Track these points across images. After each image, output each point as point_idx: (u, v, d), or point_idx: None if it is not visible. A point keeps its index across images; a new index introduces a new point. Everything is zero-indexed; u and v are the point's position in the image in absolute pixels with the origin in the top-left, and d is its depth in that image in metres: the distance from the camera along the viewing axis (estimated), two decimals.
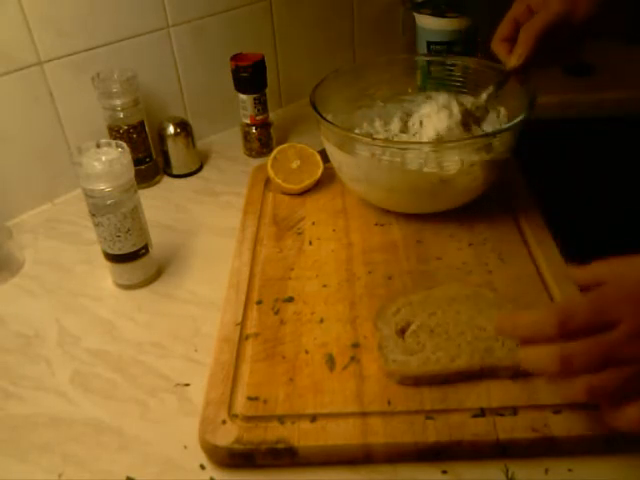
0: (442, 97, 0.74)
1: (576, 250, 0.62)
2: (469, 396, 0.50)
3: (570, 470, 0.47)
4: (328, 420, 0.49)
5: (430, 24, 0.98)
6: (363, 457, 0.48)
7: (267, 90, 0.90)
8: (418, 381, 0.52)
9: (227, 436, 0.49)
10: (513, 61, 0.66)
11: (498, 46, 0.69)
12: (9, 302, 0.69)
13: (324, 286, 0.64)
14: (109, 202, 0.62)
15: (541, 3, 0.66)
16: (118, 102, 0.81)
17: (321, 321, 0.59)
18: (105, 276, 0.70)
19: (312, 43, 1.07)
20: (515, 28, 0.67)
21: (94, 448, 0.52)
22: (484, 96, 0.73)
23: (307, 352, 0.56)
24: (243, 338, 0.58)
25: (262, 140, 0.93)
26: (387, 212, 0.74)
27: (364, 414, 0.50)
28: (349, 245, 0.70)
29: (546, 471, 0.47)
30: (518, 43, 0.65)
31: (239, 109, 0.90)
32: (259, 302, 0.62)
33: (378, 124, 0.81)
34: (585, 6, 0.64)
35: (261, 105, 0.89)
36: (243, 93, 0.88)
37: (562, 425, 0.47)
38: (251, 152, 0.94)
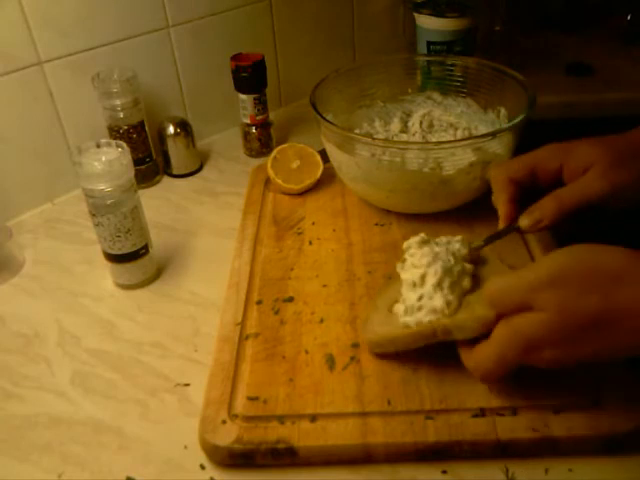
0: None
1: None
2: (469, 396, 0.50)
3: (570, 470, 0.47)
4: (328, 420, 0.49)
5: (430, 24, 0.98)
6: (363, 457, 0.48)
7: (267, 90, 0.90)
8: (383, 346, 0.54)
9: (227, 436, 0.49)
10: (526, 223, 0.55)
11: (504, 203, 0.57)
12: (9, 302, 0.69)
13: (324, 286, 0.64)
14: (109, 202, 0.62)
15: (580, 170, 0.54)
16: (118, 102, 0.81)
17: (321, 321, 0.59)
18: (105, 276, 0.70)
19: (312, 43, 1.07)
20: (531, 180, 0.57)
21: (94, 448, 0.52)
22: (472, 247, 0.57)
23: (307, 352, 0.56)
24: (243, 338, 0.58)
25: (262, 140, 0.93)
26: (387, 212, 0.74)
27: (364, 414, 0.50)
28: (349, 245, 0.70)
29: (546, 471, 0.47)
30: (541, 209, 0.54)
31: (239, 109, 0.90)
32: (259, 302, 0.62)
33: (378, 124, 0.81)
34: (631, 191, 0.53)
35: (261, 105, 0.90)
36: (243, 93, 0.88)
37: (562, 425, 0.47)
38: (251, 152, 0.94)
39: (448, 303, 0.50)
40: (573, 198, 0.53)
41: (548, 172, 0.56)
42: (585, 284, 0.41)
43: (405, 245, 0.57)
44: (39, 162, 0.83)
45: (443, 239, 0.56)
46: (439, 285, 0.51)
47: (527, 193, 0.57)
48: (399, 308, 0.53)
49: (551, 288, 0.42)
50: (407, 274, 0.54)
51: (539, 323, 0.42)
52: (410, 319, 0.51)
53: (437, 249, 0.54)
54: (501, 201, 0.58)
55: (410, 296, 0.52)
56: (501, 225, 0.58)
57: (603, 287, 0.40)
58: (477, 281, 0.53)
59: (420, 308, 0.51)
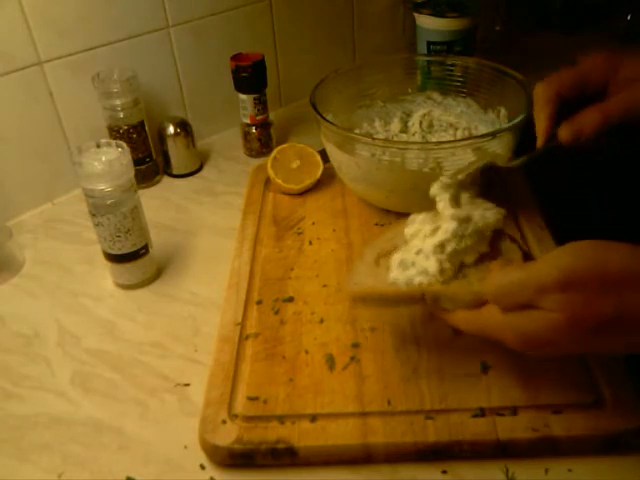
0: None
1: None
2: (469, 396, 0.50)
3: (570, 470, 0.47)
4: (328, 420, 0.49)
5: (430, 24, 0.98)
6: (363, 457, 0.48)
7: (267, 90, 0.90)
8: (365, 301, 0.52)
9: (227, 436, 0.49)
10: (565, 134, 0.53)
11: (546, 118, 0.54)
12: (9, 302, 0.69)
13: (324, 286, 0.64)
14: (109, 202, 0.62)
15: (628, 82, 0.52)
16: (118, 102, 0.81)
17: (321, 321, 0.59)
18: (105, 276, 0.70)
19: (312, 43, 1.07)
20: (578, 94, 0.54)
21: (94, 448, 0.52)
22: (509, 164, 0.59)
23: (307, 352, 0.56)
24: (243, 338, 0.58)
25: (262, 140, 0.93)
26: (387, 212, 0.74)
27: (364, 414, 0.50)
28: (349, 245, 0.70)
29: (546, 471, 0.47)
30: (583, 119, 0.52)
31: (239, 109, 0.90)
32: (259, 302, 0.62)
33: (378, 124, 0.81)
34: None
35: (261, 105, 0.89)
36: (243, 93, 0.88)
37: (562, 425, 0.47)
38: (251, 152, 0.94)
39: (442, 270, 0.47)
40: (619, 109, 0.50)
41: (596, 85, 0.53)
42: (595, 287, 0.39)
43: (436, 190, 0.52)
44: (39, 162, 0.83)
45: (489, 204, 0.51)
46: (441, 247, 0.47)
47: (570, 111, 0.54)
48: (394, 259, 0.49)
49: (560, 290, 0.39)
50: (419, 223, 0.50)
51: (545, 325, 0.40)
52: (401, 276, 0.48)
53: (472, 212, 0.49)
54: (543, 116, 0.54)
55: (411, 246, 0.49)
56: (540, 143, 0.55)
57: (614, 289, 0.38)
58: (482, 258, 0.49)
59: (413, 264, 0.47)
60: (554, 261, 0.41)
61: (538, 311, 0.41)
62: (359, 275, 0.51)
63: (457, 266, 0.48)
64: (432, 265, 0.47)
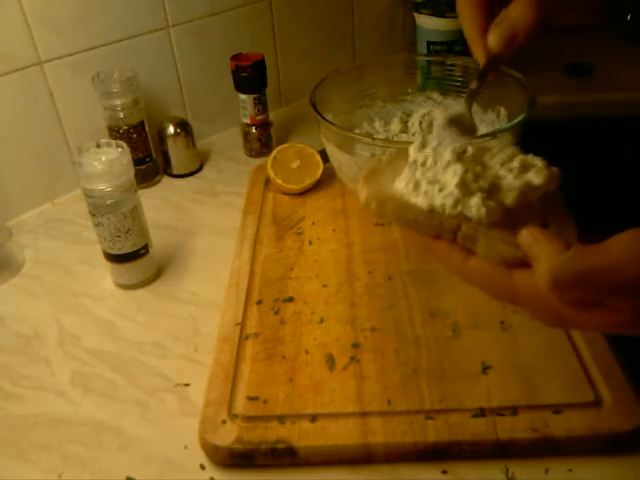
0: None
1: None
2: (469, 396, 0.50)
3: (570, 470, 0.47)
4: (328, 420, 0.49)
5: (430, 24, 0.98)
6: (363, 457, 0.48)
7: (267, 90, 0.90)
8: (384, 207, 0.42)
9: (227, 436, 0.49)
10: (494, 42, 0.47)
11: (478, 33, 0.49)
12: (9, 302, 0.69)
13: (324, 286, 0.64)
14: (109, 202, 0.62)
15: None
16: (118, 102, 0.81)
17: (321, 321, 0.59)
18: (105, 276, 0.70)
19: (312, 43, 1.07)
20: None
21: (94, 448, 0.52)
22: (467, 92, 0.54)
23: (307, 352, 0.56)
24: (243, 338, 0.58)
25: (262, 140, 0.93)
26: None
27: (364, 414, 0.50)
28: (349, 245, 0.70)
29: (546, 471, 0.47)
30: (512, 19, 0.46)
31: (239, 109, 0.90)
32: (259, 302, 0.62)
33: (378, 124, 0.81)
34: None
35: (261, 105, 0.89)
36: (243, 93, 0.88)
37: (562, 425, 0.47)
38: (251, 152, 0.94)
39: (489, 210, 0.39)
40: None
41: None
42: None
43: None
44: (39, 162, 0.83)
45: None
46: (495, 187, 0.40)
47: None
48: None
49: (636, 294, 0.33)
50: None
51: (607, 323, 0.35)
52: (437, 198, 0.40)
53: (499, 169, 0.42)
54: (473, 33, 0.48)
55: (450, 178, 0.40)
56: (482, 61, 0.50)
57: None
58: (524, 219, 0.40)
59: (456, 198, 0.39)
60: (630, 256, 0.32)
61: (603, 311, 0.34)
62: (386, 179, 0.43)
63: (503, 210, 0.40)
64: (476, 202, 0.39)
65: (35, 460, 0.51)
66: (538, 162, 0.42)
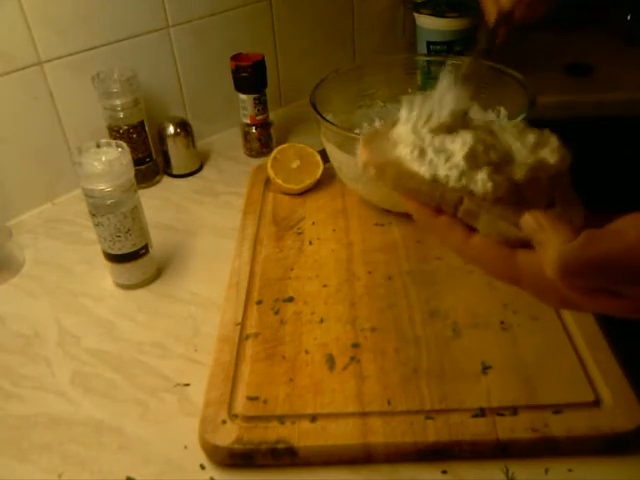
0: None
1: None
2: (469, 396, 0.50)
3: (570, 470, 0.47)
4: (328, 420, 0.49)
5: (430, 24, 0.98)
6: (363, 457, 0.48)
7: (267, 90, 0.90)
8: (384, 172, 0.40)
9: (227, 436, 0.49)
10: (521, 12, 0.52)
11: None
12: (9, 302, 0.69)
13: (324, 286, 0.64)
14: (109, 202, 0.62)
15: None
16: (118, 102, 0.81)
17: (321, 321, 0.59)
18: (105, 276, 0.70)
19: (312, 43, 1.07)
20: None
21: (94, 448, 0.52)
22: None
23: (307, 352, 0.56)
24: (243, 338, 0.58)
25: (262, 140, 0.93)
26: (387, 212, 0.74)
27: (364, 414, 0.50)
28: (349, 245, 0.70)
29: (546, 471, 0.47)
30: None
31: (239, 109, 0.90)
32: (259, 302, 0.62)
33: (378, 124, 0.81)
34: None
35: (261, 105, 0.89)
36: (243, 93, 0.88)
37: (562, 425, 0.47)
38: (251, 152, 0.94)
39: (495, 185, 0.37)
40: None
41: None
42: None
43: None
44: (39, 162, 0.83)
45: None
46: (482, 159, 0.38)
47: None
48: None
49: None
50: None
51: (614, 308, 0.33)
52: (442, 168, 0.38)
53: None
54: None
55: (458, 149, 0.38)
56: (493, 17, 0.53)
57: None
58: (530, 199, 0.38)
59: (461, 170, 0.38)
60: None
61: (611, 298, 0.33)
62: (387, 142, 0.41)
63: (510, 185, 0.38)
64: (483, 177, 0.37)
65: (35, 460, 0.51)
66: (553, 140, 0.41)
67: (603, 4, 1.25)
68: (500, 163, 0.38)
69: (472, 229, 0.38)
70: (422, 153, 0.39)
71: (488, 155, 0.38)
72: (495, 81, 0.75)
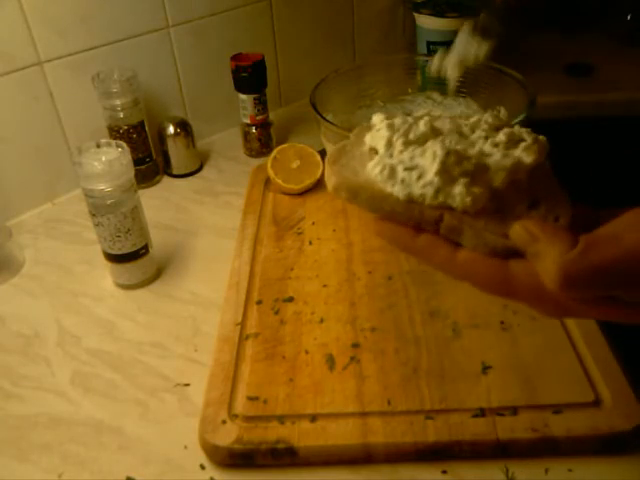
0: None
1: None
2: (469, 396, 0.50)
3: (570, 470, 0.47)
4: (328, 420, 0.49)
5: (430, 24, 0.98)
6: (363, 457, 0.48)
7: (267, 90, 0.90)
8: (355, 194, 0.37)
9: (227, 436, 0.49)
10: None
11: None
12: (9, 302, 0.69)
13: (324, 286, 0.64)
14: (109, 202, 0.62)
15: None
16: (118, 102, 0.81)
17: (321, 321, 0.59)
18: (105, 276, 0.70)
19: (312, 43, 1.07)
20: None
21: (94, 448, 0.52)
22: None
23: (307, 352, 0.56)
24: (243, 338, 0.58)
25: (262, 140, 0.93)
26: None
27: (364, 414, 0.50)
28: (349, 245, 0.70)
29: (546, 471, 0.47)
30: None
31: (239, 109, 0.90)
32: (259, 302, 0.62)
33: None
34: None
35: (261, 105, 0.89)
36: (243, 93, 0.88)
37: (562, 425, 0.47)
38: (251, 152, 0.94)
39: (474, 198, 0.35)
40: None
41: None
42: None
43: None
44: (39, 162, 0.83)
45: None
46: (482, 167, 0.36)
47: None
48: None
49: None
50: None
51: (615, 315, 0.33)
52: (415, 187, 0.36)
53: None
54: None
55: (429, 164, 0.36)
56: None
57: None
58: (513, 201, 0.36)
59: (433, 187, 0.36)
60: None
61: (612, 305, 0.32)
62: (355, 161, 0.40)
63: (490, 194, 0.36)
64: (458, 189, 0.35)
65: (35, 460, 0.51)
66: (526, 136, 0.38)
67: (603, 4, 1.25)
68: (476, 172, 0.36)
69: (457, 244, 0.36)
70: (392, 172, 0.37)
71: (462, 166, 0.36)
72: (495, 81, 0.75)
